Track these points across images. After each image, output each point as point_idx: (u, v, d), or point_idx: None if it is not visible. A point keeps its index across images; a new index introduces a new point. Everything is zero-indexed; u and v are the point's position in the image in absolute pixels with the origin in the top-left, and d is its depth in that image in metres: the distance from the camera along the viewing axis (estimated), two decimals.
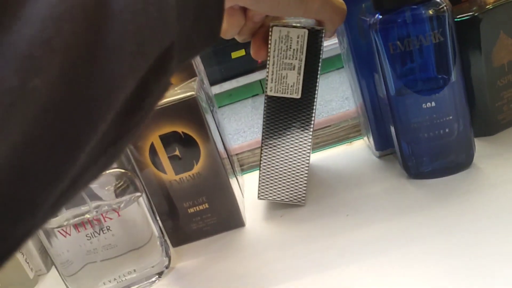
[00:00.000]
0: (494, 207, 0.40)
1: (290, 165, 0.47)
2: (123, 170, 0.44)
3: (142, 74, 0.21)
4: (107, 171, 0.44)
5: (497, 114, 0.48)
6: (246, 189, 0.57)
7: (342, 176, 0.52)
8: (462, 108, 0.44)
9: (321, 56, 0.42)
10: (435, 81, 0.43)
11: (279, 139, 0.46)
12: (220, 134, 0.53)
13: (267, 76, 0.43)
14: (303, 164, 0.47)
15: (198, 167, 0.46)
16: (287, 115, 0.45)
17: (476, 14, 0.45)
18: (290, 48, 0.42)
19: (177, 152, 0.46)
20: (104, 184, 0.44)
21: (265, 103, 0.45)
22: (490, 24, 0.45)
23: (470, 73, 0.48)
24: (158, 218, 0.49)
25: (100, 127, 0.19)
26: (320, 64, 0.43)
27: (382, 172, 0.50)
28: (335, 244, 0.42)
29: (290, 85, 0.43)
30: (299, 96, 0.43)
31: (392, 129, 0.46)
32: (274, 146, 0.46)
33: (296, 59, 0.42)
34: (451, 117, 0.43)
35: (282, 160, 0.47)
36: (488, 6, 0.46)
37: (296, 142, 0.45)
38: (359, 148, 0.56)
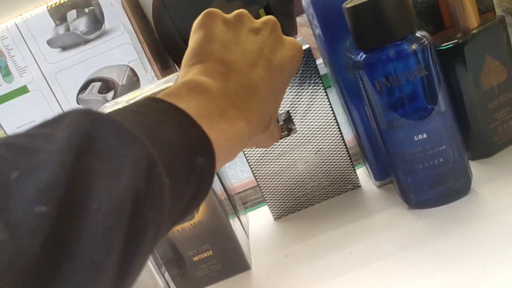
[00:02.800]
0: (493, 235, 0.40)
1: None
2: None
3: None
4: None
5: (492, 136, 0.48)
6: (251, 227, 0.58)
7: (344, 209, 0.52)
8: (454, 136, 0.44)
9: None
10: (425, 110, 0.43)
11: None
12: (219, 175, 0.53)
13: None
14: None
15: (199, 216, 0.47)
16: None
17: (460, 41, 0.46)
18: None
19: None
20: None
21: None
22: (475, 49, 0.46)
23: (462, 98, 0.48)
24: (164, 268, 0.50)
25: None
26: None
27: (382, 203, 0.50)
28: (340, 284, 0.42)
29: None
30: None
31: (388, 161, 0.46)
32: None
33: None
34: (444, 147, 0.43)
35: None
36: (472, 32, 0.46)
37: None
38: (359, 177, 0.56)
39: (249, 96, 0.34)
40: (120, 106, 0.49)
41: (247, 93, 0.34)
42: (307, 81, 0.49)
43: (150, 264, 0.46)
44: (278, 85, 0.37)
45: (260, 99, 0.34)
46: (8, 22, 0.76)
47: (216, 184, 0.49)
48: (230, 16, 0.37)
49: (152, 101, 0.28)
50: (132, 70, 1.70)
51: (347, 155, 0.53)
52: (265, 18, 0.38)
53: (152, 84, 0.53)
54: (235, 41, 0.35)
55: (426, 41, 0.41)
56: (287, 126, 0.51)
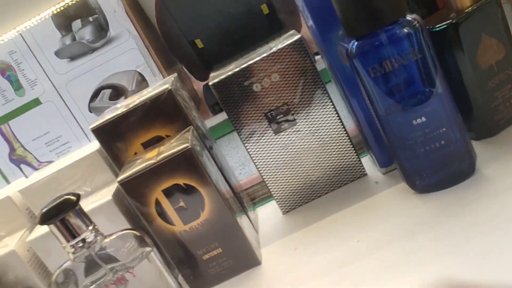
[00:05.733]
0: (500, 214, 0.39)
1: None
2: (131, 230, 0.45)
3: None
4: (119, 233, 0.45)
5: (494, 115, 0.48)
6: (260, 223, 0.58)
7: (351, 198, 0.52)
8: (454, 117, 0.43)
9: (223, 102, 0.51)
10: (423, 94, 0.43)
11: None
12: (224, 173, 0.53)
13: None
14: None
15: (205, 214, 0.47)
16: None
17: (454, 21, 0.45)
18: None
19: (182, 203, 0.47)
20: (119, 246, 0.45)
21: None
22: (469, 28, 0.45)
23: (462, 79, 0.47)
24: (175, 269, 0.50)
25: None
26: (227, 109, 0.51)
27: (389, 190, 0.50)
28: (348, 274, 0.42)
29: None
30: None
31: (390, 147, 0.46)
32: None
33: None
34: (444, 129, 0.43)
35: None
36: (466, 10, 0.45)
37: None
38: (365, 166, 0.56)
39: None
40: (119, 111, 0.50)
41: None
42: (303, 72, 0.49)
43: (160, 266, 0.47)
44: None
45: None
46: (14, 35, 0.78)
47: (220, 183, 0.50)
48: None
49: None
50: (140, 75, 1.72)
51: (350, 144, 0.53)
52: None
53: (150, 87, 0.54)
54: None
55: (417, 24, 0.41)
56: (286, 118, 0.51)
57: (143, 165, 0.45)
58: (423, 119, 0.43)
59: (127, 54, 1.82)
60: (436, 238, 0.41)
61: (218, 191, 0.47)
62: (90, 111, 1.88)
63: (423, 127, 0.43)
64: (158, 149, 0.48)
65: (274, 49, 0.48)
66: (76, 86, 1.82)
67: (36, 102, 1.84)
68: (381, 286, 0.39)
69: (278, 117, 0.51)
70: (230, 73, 0.49)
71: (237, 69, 0.49)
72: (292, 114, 0.51)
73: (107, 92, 1.92)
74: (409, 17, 0.41)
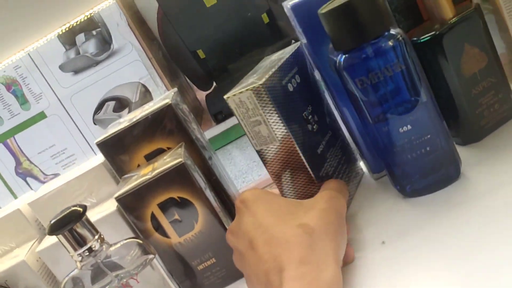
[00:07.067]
0: (482, 215, 0.42)
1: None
2: (134, 239, 0.48)
3: None
4: (123, 242, 0.48)
5: (479, 121, 0.50)
6: None
7: None
8: (438, 124, 0.46)
9: (273, 104, 0.46)
10: (409, 103, 0.45)
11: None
12: (222, 183, 0.56)
13: (248, 136, 0.47)
14: None
15: (199, 226, 0.50)
16: (280, 159, 0.48)
17: (437, 32, 0.47)
18: (249, 108, 0.46)
19: (176, 216, 0.49)
20: (123, 254, 0.48)
21: (259, 156, 0.49)
22: (453, 39, 0.47)
23: (448, 87, 0.49)
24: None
25: None
26: (277, 111, 0.46)
27: (379, 195, 0.52)
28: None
29: (266, 136, 0.47)
30: (277, 143, 0.47)
31: (379, 154, 0.48)
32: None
33: (258, 115, 0.46)
34: (429, 136, 0.45)
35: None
36: (450, 21, 0.48)
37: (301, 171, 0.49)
38: None
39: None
40: (123, 125, 0.52)
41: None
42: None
43: (163, 273, 0.49)
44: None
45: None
46: (19, 53, 0.81)
47: (211, 198, 0.51)
48: None
49: None
50: (144, 86, 1.76)
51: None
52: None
53: (151, 102, 0.56)
54: None
55: (400, 37, 0.43)
56: (314, 119, 0.51)
57: (139, 180, 0.48)
58: (409, 127, 0.45)
59: (130, 66, 1.85)
60: (422, 239, 0.43)
61: (210, 203, 0.49)
62: (95, 123, 1.91)
63: (409, 134, 0.45)
64: (152, 165, 0.50)
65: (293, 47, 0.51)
66: (81, 99, 1.86)
67: (41, 116, 1.87)
68: (371, 286, 0.41)
69: (309, 118, 0.51)
70: (271, 72, 0.47)
71: (276, 67, 0.48)
72: (317, 115, 0.52)
73: (111, 104, 1.95)
74: (392, 31, 0.43)
